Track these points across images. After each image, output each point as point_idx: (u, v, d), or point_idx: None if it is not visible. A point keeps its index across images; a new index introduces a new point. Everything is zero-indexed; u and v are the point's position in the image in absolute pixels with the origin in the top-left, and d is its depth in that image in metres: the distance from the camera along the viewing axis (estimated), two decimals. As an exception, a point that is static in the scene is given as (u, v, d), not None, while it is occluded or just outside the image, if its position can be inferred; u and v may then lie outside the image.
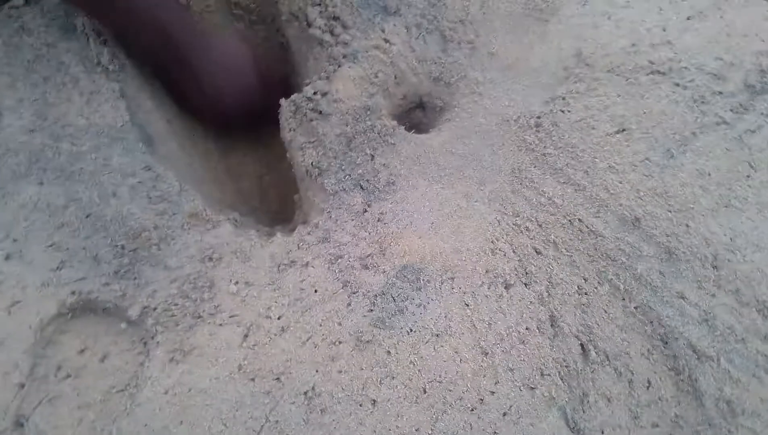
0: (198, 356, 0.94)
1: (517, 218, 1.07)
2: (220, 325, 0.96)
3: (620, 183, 1.06)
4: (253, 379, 0.92)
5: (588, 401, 0.92)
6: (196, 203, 1.07)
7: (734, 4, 1.25)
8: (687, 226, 1.02)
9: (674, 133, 1.10)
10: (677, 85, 1.15)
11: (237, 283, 1.00)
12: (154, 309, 0.97)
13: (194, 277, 1.00)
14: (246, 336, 0.96)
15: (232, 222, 1.08)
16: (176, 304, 0.97)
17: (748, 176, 1.06)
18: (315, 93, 1.16)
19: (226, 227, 1.06)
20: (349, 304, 0.99)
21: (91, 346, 0.97)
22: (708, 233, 1.01)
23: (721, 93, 1.14)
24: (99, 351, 0.96)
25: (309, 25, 1.24)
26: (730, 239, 1.00)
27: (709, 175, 1.06)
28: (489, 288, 1.00)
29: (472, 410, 0.91)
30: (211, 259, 1.02)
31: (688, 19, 1.24)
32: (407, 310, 0.98)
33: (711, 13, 1.24)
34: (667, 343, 0.95)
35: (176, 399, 0.91)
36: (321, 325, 0.97)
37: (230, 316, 0.97)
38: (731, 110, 1.12)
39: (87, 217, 1.03)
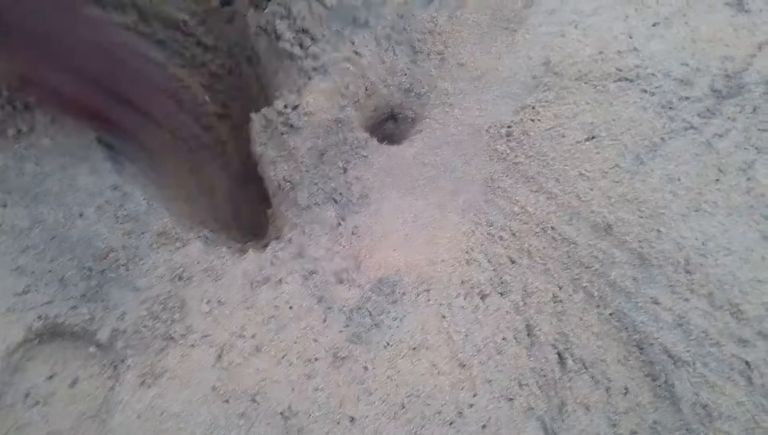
0: (170, 379, 0.92)
1: (491, 228, 1.07)
2: (192, 346, 0.94)
3: (591, 190, 1.07)
4: (227, 401, 0.90)
5: (566, 410, 0.92)
6: (165, 221, 1.05)
7: (699, 10, 1.27)
8: (658, 231, 1.02)
9: (643, 139, 1.11)
10: (645, 91, 1.16)
11: (209, 302, 0.98)
12: (124, 331, 0.94)
13: (164, 297, 0.98)
14: (219, 356, 0.94)
15: (203, 239, 1.07)
16: (146, 326, 0.95)
17: (717, 180, 1.07)
18: (285, 106, 1.15)
19: (196, 245, 1.04)
20: (324, 320, 0.97)
21: (60, 372, 0.94)
22: (679, 238, 1.02)
23: (688, 98, 1.15)
24: (68, 376, 0.94)
25: (278, 38, 1.23)
26: (702, 243, 1.01)
27: (679, 180, 1.07)
28: (465, 299, 1.00)
29: (451, 424, 0.90)
30: (181, 278, 1.00)
31: (653, 25, 1.25)
32: (383, 323, 0.97)
33: (676, 20, 1.26)
34: (642, 349, 0.95)
35: (148, 424, 0.88)
36: (296, 343, 0.95)
37: (202, 337, 0.95)
38: (699, 115, 1.13)
39: (52, 238, 1.00)
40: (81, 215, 1.03)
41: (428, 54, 1.25)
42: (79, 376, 0.94)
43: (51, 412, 0.91)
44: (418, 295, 1.00)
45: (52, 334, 0.95)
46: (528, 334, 0.98)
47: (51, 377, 0.93)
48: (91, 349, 0.95)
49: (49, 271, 0.98)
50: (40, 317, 0.94)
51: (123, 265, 1.00)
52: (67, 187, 1.05)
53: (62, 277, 0.98)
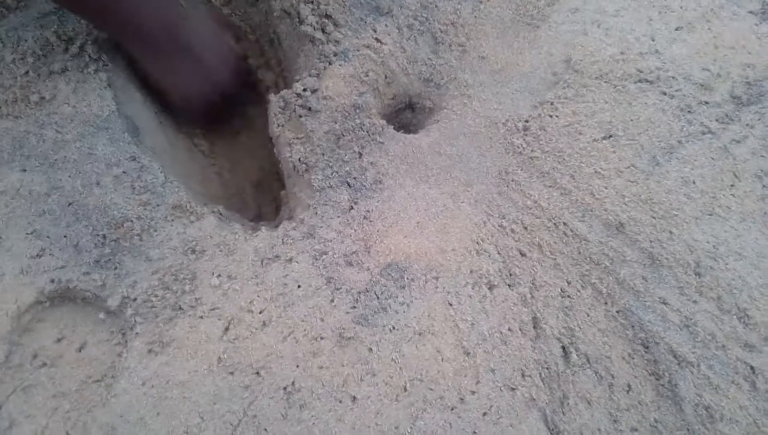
0: (177, 348, 0.93)
1: (503, 220, 1.07)
2: (201, 317, 0.95)
3: (605, 188, 1.07)
4: (232, 373, 0.91)
5: (568, 404, 0.92)
6: (180, 195, 1.06)
7: (722, 16, 1.27)
8: (670, 232, 1.02)
9: (660, 141, 1.11)
10: (664, 93, 1.16)
11: (219, 276, 0.99)
12: (134, 300, 0.95)
13: (176, 269, 0.99)
14: (227, 329, 0.95)
15: (217, 215, 1.07)
16: (156, 296, 0.96)
17: (732, 185, 1.07)
18: (305, 89, 1.16)
19: (210, 220, 1.05)
20: (332, 301, 0.98)
21: (69, 336, 0.95)
22: (691, 240, 1.02)
23: (707, 103, 1.15)
24: (76, 340, 0.95)
25: (301, 22, 1.23)
26: (713, 247, 1.01)
27: (694, 183, 1.07)
28: (473, 288, 1.00)
29: (453, 409, 0.90)
30: (193, 251, 1.01)
31: (676, 29, 1.25)
32: (390, 307, 0.98)
33: (699, 25, 1.25)
34: (648, 347, 0.95)
35: (153, 391, 0.89)
36: (303, 321, 0.96)
37: (211, 309, 0.96)
38: (717, 120, 1.13)
39: (69, 205, 1.01)
40: (98, 184, 1.04)
41: (450, 45, 1.26)
42: (87, 340, 0.95)
43: (57, 374, 0.92)
44: (426, 282, 1.00)
45: (63, 298, 0.97)
46: (534, 327, 0.98)
47: (59, 340, 0.95)
48: (101, 315, 0.96)
49: (64, 237, 0.99)
50: (52, 281, 0.95)
51: (137, 235, 1.01)
52: (86, 155, 1.06)
53: (77, 243, 0.99)
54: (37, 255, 0.97)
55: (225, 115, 1.39)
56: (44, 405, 0.89)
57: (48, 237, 0.99)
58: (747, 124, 1.12)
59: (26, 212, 1.00)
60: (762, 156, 1.09)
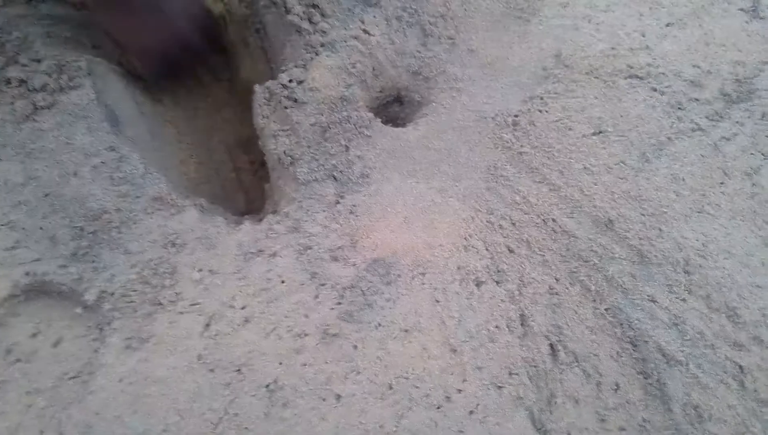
0: (156, 344, 0.90)
1: (491, 216, 1.05)
2: (181, 313, 0.92)
3: (595, 184, 1.06)
4: (212, 370, 0.89)
5: (555, 402, 0.91)
6: (161, 187, 1.03)
7: (713, 13, 1.26)
8: (660, 229, 1.01)
9: (650, 138, 1.10)
10: (654, 90, 1.15)
11: (201, 270, 0.97)
12: (112, 294, 0.93)
13: (155, 262, 0.96)
14: (207, 325, 0.92)
15: (199, 208, 1.05)
16: (135, 290, 0.93)
17: (721, 183, 1.06)
18: (290, 80, 1.13)
19: (191, 213, 1.02)
20: (316, 296, 0.96)
21: (44, 330, 0.92)
22: (680, 238, 1.01)
23: (697, 100, 1.14)
24: (52, 335, 0.92)
25: (287, 11, 1.21)
26: (703, 245, 1.00)
27: (684, 180, 1.06)
28: (460, 285, 0.98)
29: (438, 408, 0.88)
30: (174, 244, 0.98)
31: (667, 26, 1.24)
32: (376, 304, 0.96)
33: (690, 22, 1.24)
34: (636, 346, 0.94)
35: (131, 388, 0.87)
36: (286, 317, 0.94)
37: (192, 304, 0.93)
38: (707, 117, 1.12)
39: (45, 196, 0.98)
40: (76, 174, 1.01)
41: (439, 38, 1.24)
42: (63, 335, 0.92)
43: (32, 370, 0.89)
44: (413, 278, 0.98)
45: (38, 291, 0.93)
46: (521, 324, 0.96)
47: (34, 335, 0.91)
48: (78, 309, 0.93)
49: (40, 229, 0.96)
50: (27, 274, 0.92)
51: (116, 228, 0.98)
52: (63, 144, 1.03)
53: (53, 235, 0.96)
54: (12, 247, 0.94)
55: (188, 69, 1.35)
56: (18, 402, 0.86)
57: (23, 228, 0.96)
58: (737, 122, 1.11)
59: (1, 203, 0.97)
60: (752, 154, 1.09)
